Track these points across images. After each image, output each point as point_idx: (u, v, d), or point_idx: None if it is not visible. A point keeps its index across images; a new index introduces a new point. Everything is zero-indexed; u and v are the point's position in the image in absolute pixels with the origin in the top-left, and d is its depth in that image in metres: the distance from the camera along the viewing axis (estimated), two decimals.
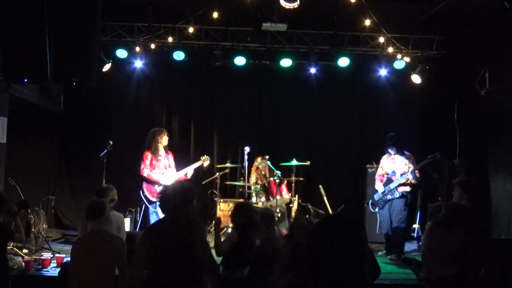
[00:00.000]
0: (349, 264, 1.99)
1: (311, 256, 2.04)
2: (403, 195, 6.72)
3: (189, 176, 7.07)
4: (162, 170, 6.85)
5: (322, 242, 2.01)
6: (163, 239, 3.51)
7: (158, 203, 6.67)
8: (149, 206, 6.79)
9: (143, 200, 6.87)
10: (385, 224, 6.88)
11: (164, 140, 6.89)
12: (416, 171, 6.69)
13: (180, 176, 7.00)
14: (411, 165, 6.71)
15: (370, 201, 7.06)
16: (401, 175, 6.70)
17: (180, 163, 7.26)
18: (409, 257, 3.90)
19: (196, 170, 8.14)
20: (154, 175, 6.76)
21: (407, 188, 6.75)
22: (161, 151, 6.90)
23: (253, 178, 7.83)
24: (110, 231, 4.03)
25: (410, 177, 6.65)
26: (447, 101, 8.12)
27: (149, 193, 6.77)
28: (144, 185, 6.82)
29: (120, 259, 3.78)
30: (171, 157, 7.03)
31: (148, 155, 6.80)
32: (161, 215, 6.69)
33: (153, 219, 6.70)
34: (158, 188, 6.77)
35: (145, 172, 6.76)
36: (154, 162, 6.81)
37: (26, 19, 5.18)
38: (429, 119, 8.80)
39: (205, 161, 7.25)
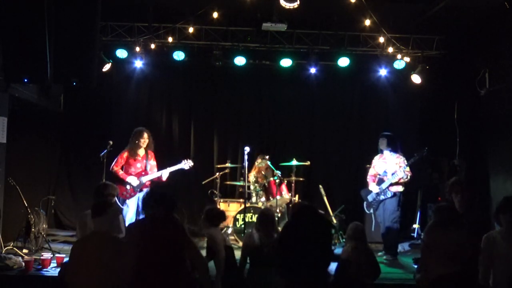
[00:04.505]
0: (313, 252, 2.08)
1: (281, 242, 2.15)
2: (395, 194, 6.73)
3: (164, 178, 6.80)
4: (138, 170, 6.75)
5: (290, 228, 2.11)
6: (150, 240, 3.52)
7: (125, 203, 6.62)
8: (122, 207, 6.58)
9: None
10: (382, 225, 6.87)
11: (142, 141, 6.76)
12: (407, 170, 6.67)
13: (154, 178, 6.78)
14: (402, 164, 6.72)
15: (365, 203, 7.07)
16: (392, 174, 6.70)
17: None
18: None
19: (196, 170, 8.08)
20: (121, 172, 6.67)
21: (400, 188, 6.75)
22: (140, 151, 6.81)
23: (251, 177, 7.80)
24: (112, 232, 4.00)
25: (402, 175, 6.65)
26: (447, 101, 8.12)
27: (119, 193, 6.41)
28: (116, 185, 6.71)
29: (120, 262, 3.75)
30: (151, 158, 6.87)
31: (125, 153, 6.76)
32: (130, 214, 6.55)
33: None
34: (129, 188, 6.68)
35: (114, 168, 6.66)
36: (130, 161, 6.74)
37: (26, 19, 5.18)
38: (429, 119, 8.79)
39: (186, 165, 6.99)
